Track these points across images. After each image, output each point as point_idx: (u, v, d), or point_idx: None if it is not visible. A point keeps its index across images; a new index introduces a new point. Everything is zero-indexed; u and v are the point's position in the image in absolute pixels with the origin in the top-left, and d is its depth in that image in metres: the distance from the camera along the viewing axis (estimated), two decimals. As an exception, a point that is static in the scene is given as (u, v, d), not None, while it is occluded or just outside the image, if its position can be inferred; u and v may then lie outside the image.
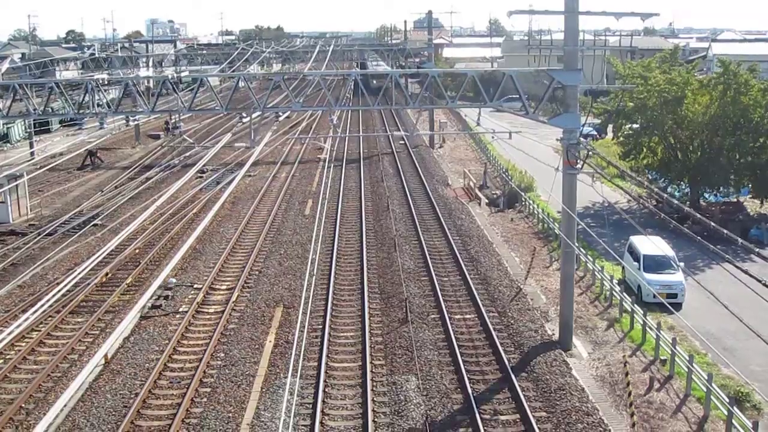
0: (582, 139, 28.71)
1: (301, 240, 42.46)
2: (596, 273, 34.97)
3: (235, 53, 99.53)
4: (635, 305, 30.35)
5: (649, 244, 33.99)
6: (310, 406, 24.11)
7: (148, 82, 72.84)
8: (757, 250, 32.39)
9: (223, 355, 27.98)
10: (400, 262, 37.63)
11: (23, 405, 24.29)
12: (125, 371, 26.70)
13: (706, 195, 49.82)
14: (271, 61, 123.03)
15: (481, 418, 23.13)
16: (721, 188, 48.47)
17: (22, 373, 26.72)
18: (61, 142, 70.63)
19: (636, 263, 34.37)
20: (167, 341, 28.92)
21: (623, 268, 36.13)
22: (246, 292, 34.55)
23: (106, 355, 27.07)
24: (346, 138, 76.14)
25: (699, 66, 59.84)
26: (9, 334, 22.82)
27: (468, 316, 31.63)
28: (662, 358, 27.09)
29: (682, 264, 34.05)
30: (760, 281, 20.26)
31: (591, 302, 33.40)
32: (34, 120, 63.84)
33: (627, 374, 24.58)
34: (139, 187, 55.89)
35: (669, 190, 50.12)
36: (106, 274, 36.57)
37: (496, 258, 39.20)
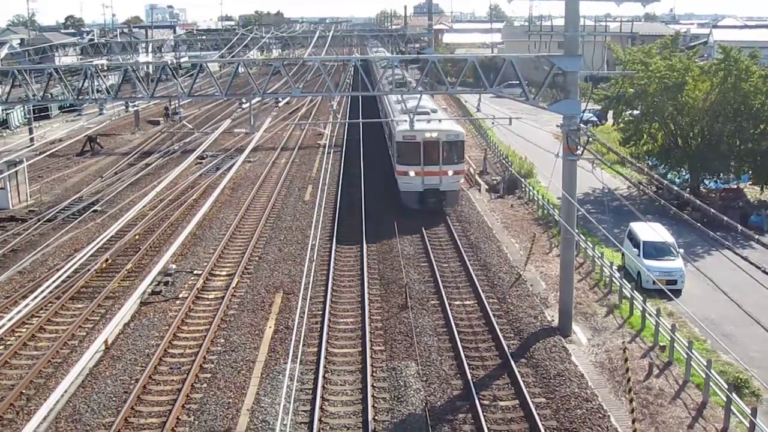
0: (582, 125, 28.68)
1: (301, 226, 42.46)
2: (596, 259, 34.99)
3: (235, 39, 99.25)
4: (635, 291, 30.38)
5: (649, 231, 33.99)
6: (310, 391, 24.18)
7: (148, 67, 72.61)
8: (756, 236, 32.45)
9: (223, 341, 28.03)
10: (399, 248, 37.64)
11: (24, 391, 24.34)
12: (125, 357, 26.75)
13: (707, 181, 49.85)
14: (270, 46, 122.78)
15: (480, 404, 23.19)
16: (722, 175, 48.51)
17: (23, 359, 26.77)
18: (61, 128, 70.51)
19: (636, 250, 34.39)
20: (167, 327, 28.96)
21: (623, 254, 36.15)
22: (246, 278, 34.59)
23: (106, 341, 27.12)
24: (346, 124, 76.01)
25: (700, 52, 59.71)
26: (9, 320, 22.90)
27: (468, 302, 31.67)
28: (661, 344, 27.14)
29: (681, 250, 34.10)
30: (759, 268, 20.27)
31: (590, 288, 33.44)
32: (33, 106, 63.69)
33: (626, 360, 24.61)
34: (139, 173, 55.83)
35: (669, 176, 50.15)
36: (106, 260, 36.59)
37: (495, 244, 39.21)
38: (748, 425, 20.73)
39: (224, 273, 35.37)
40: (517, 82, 29.09)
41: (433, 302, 31.59)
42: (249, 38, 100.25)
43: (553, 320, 29.50)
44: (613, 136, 58.45)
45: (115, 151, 68.10)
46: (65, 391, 23.51)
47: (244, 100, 73.45)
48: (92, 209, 45.51)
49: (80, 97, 33.12)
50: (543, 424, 21.96)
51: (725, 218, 26.69)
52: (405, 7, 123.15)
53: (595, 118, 72.80)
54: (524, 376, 25.03)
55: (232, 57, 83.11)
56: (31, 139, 63.17)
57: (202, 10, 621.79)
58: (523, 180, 50.62)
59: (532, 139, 47.74)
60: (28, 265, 35.84)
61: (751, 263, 21.00)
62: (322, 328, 28.58)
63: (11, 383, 24.78)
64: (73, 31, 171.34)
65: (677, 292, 31.05)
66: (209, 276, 34.81)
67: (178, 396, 23.57)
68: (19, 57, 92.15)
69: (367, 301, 31.10)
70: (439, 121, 45.13)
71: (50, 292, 28.69)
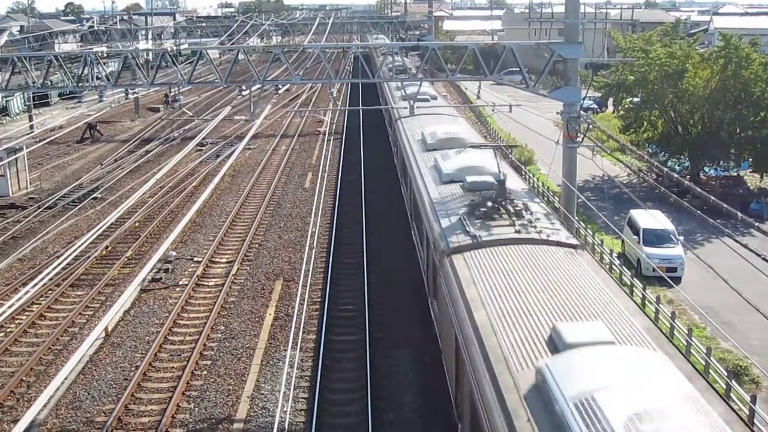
0: (582, 112, 28.64)
1: (301, 213, 42.45)
2: (596, 246, 34.98)
3: (235, 26, 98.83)
4: (635, 279, 30.38)
5: (649, 218, 33.98)
6: (310, 378, 24.22)
7: (148, 54, 72.36)
8: (756, 224, 32.63)
9: (223, 328, 28.07)
10: (400, 235, 37.55)
11: (24, 378, 24.39)
12: (125, 344, 26.80)
13: (706, 169, 49.83)
14: (270, 33, 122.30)
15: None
16: (721, 162, 48.47)
17: (23, 346, 26.80)
18: (61, 115, 70.45)
19: (636, 237, 34.39)
20: (167, 314, 28.99)
21: (623, 241, 36.15)
22: (246, 266, 34.60)
23: (106, 328, 27.16)
24: (346, 111, 75.86)
25: (700, 39, 59.59)
26: (10, 307, 22.94)
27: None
28: (661, 331, 27.13)
29: (681, 238, 34.10)
30: (759, 255, 20.33)
31: (590, 276, 33.35)
32: (33, 93, 63.56)
33: (626, 347, 24.60)
34: (139, 160, 55.77)
35: (669, 164, 50.14)
36: (106, 247, 36.60)
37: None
38: (747, 412, 20.77)
39: (224, 260, 35.38)
40: (518, 69, 29.00)
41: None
42: (249, 25, 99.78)
43: (552, 307, 29.41)
44: (613, 123, 58.41)
45: (115, 138, 68.01)
46: (65, 378, 23.57)
47: (244, 87, 73.13)
48: (92, 196, 45.51)
49: (80, 84, 33.03)
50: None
51: (725, 206, 26.76)
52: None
53: (596, 106, 72.66)
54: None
55: (232, 44, 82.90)
56: (31, 127, 63.05)
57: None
58: (523, 167, 50.53)
59: (532, 127, 47.62)
60: (28, 253, 35.87)
61: (751, 250, 21.06)
62: (322, 315, 28.61)
63: (12, 370, 24.83)
64: (72, 18, 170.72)
65: (677, 280, 31.06)
66: (209, 263, 34.81)
67: (178, 383, 23.62)
68: (19, 44, 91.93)
69: (367, 288, 31.06)
70: None
71: (50, 279, 28.78)
